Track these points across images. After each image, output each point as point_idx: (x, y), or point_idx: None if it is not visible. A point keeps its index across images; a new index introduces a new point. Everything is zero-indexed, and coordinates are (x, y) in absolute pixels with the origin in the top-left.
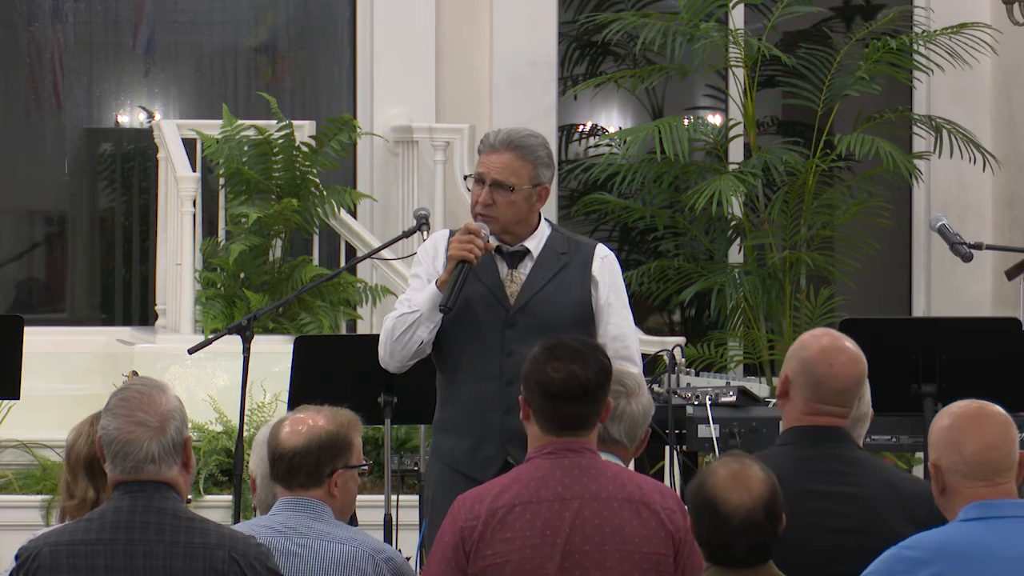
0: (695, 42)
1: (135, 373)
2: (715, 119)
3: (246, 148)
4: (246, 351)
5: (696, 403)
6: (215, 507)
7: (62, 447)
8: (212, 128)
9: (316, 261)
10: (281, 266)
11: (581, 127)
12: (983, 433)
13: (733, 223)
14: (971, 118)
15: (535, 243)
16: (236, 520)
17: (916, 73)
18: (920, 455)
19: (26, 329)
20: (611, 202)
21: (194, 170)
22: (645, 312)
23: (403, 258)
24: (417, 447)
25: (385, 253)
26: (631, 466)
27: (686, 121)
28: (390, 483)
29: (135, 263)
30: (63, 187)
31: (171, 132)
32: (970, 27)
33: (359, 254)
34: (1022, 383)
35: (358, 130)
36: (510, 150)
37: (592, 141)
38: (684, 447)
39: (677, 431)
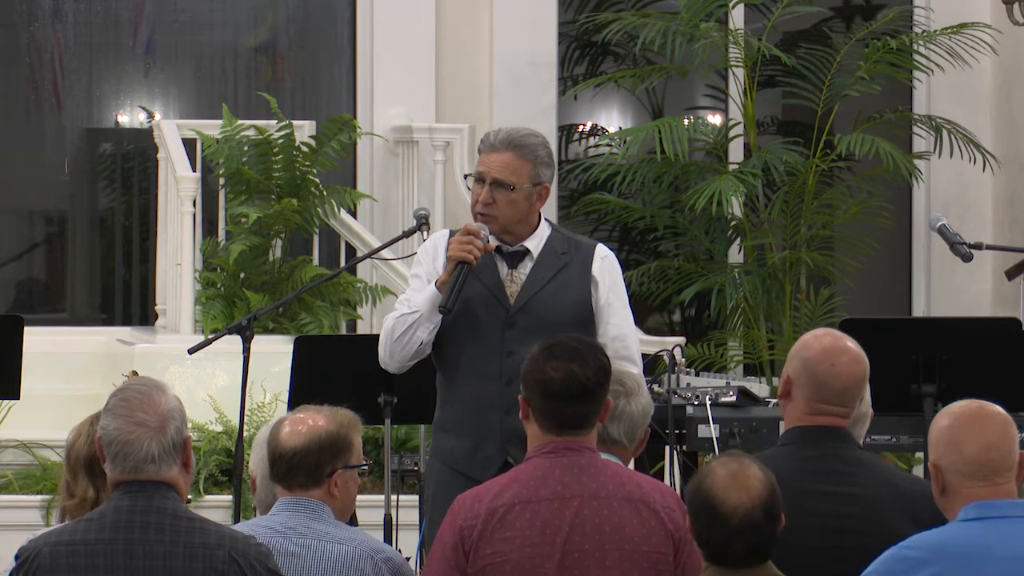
0: (695, 42)
1: (135, 373)
2: (715, 119)
3: (246, 148)
4: (246, 351)
5: (696, 403)
6: (215, 507)
7: (62, 447)
8: (212, 128)
9: (316, 261)
10: (281, 266)
11: (581, 127)
12: (983, 433)
13: (733, 223)
14: (971, 118)
15: (535, 243)
16: (236, 520)
17: (916, 73)
18: (920, 455)
19: (26, 329)
20: (611, 202)
21: (194, 170)
22: (645, 312)
23: (403, 258)
24: (417, 447)
25: (385, 253)
26: (631, 466)
27: (686, 121)
28: (390, 483)
29: (135, 263)
30: (63, 187)
31: (171, 132)
32: (970, 27)
33: (359, 254)
34: (1022, 383)
35: (358, 130)
36: (510, 149)
37: (592, 141)
38: (684, 447)
39: (677, 431)
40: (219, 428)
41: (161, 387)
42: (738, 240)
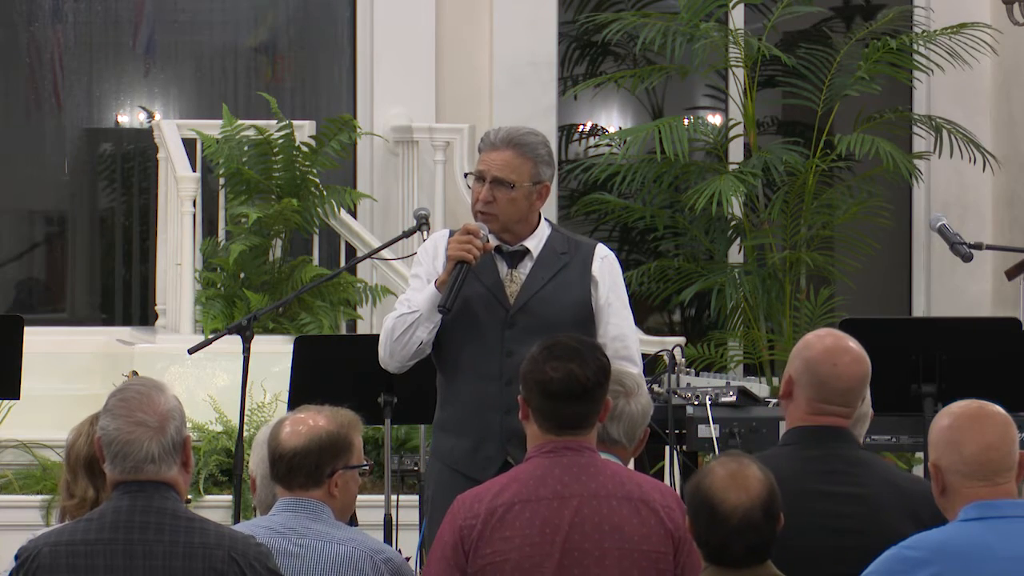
0: (695, 42)
1: (135, 373)
2: (715, 119)
3: (246, 148)
4: (246, 351)
5: (696, 403)
6: (215, 507)
7: (62, 447)
8: (212, 128)
9: (316, 261)
10: (281, 266)
11: (581, 127)
12: (983, 433)
13: (733, 223)
14: (971, 118)
15: (535, 243)
16: (236, 520)
17: (916, 73)
18: (920, 455)
19: (26, 329)
20: (611, 202)
21: (194, 170)
22: (645, 312)
23: (403, 258)
24: (417, 447)
25: (385, 253)
26: (630, 466)
27: (686, 121)
28: (390, 483)
29: (135, 263)
30: (63, 187)
31: (171, 132)
32: (970, 27)
33: (359, 254)
34: (1022, 383)
35: (358, 130)
36: (510, 148)
37: (592, 141)
38: (684, 447)
39: (677, 431)
40: (219, 428)
41: (160, 387)
42: (738, 240)
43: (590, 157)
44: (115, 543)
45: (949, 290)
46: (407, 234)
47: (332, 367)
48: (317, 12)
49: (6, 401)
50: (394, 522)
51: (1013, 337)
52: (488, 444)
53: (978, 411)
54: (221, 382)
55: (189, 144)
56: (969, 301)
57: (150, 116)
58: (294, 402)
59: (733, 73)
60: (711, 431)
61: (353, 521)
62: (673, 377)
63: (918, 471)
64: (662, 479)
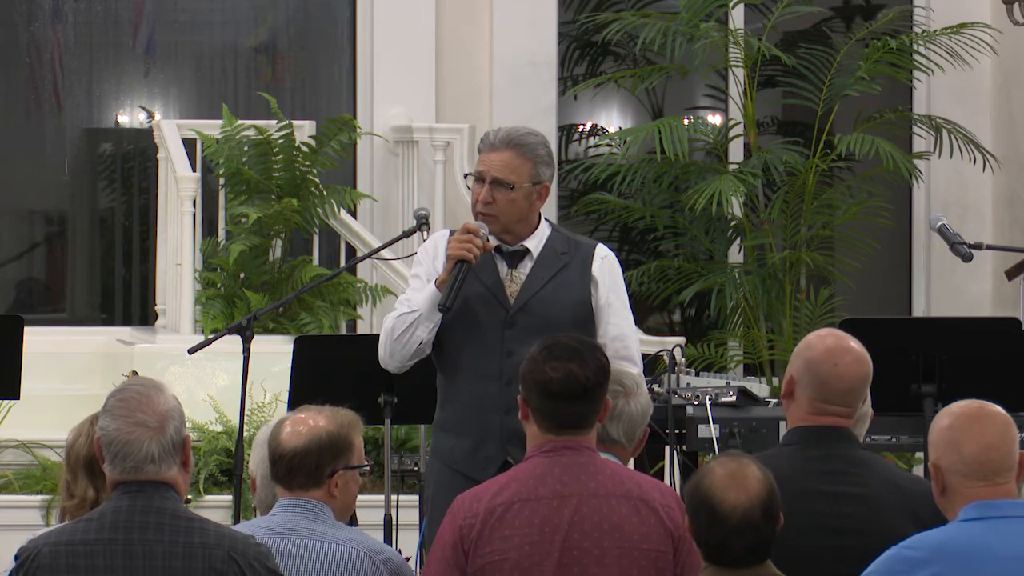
0: (695, 42)
1: (135, 373)
2: (715, 119)
3: (246, 148)
4: (246, 351)
5: (696, 403)
6: (215, 507)
7: (62, 447)
8: (212, 128)
9: (316, 261)
10: (281, 266)
11: (581, 127)
12: (983, 433)
13: (733, 223)
14: (971, 118)
15: (535, 243)
16: (236, 520)
17: (916, 73)
18: (920, 455)
19: (26, 329)
20: (611, 202)
21: (194, 170)
22: (645, 312)
23: (403, 258)
24: (417, 447)
25: (385, 253)
26: (630, 466)
27: (686, 121)
28: (390, 483)
29: (135, 263)
30: (63, 187)
31: (171, 132)
32: (970, 27)
33: (359, 254)
34: (1022, 383)
35: (358, 130)
36: (510, 148)
37: (592, 141)
38: (684, 447)
39: (677, 431)
40: (219, 428)
41: (159, 387)
42: (738, 240)
43: (590, 157)
44: (115, 543)
45: (949, 290)
46: (407, 234)
47: (332, 367)
48: (317, 12)
49: (6, 401)
50: (394, 522)
51: (1013, 337)
52: (488, 444)
53: (978, 411)
54: (221, 382)
55: (189, 144)
56: (969, 301)
57: (150, 116)
58: (294, 402)
59: (733, 73)
60: (711, 431)
61: (353, 521)
62: (673, 377)
63: (918, 471)
64: (662, 479)
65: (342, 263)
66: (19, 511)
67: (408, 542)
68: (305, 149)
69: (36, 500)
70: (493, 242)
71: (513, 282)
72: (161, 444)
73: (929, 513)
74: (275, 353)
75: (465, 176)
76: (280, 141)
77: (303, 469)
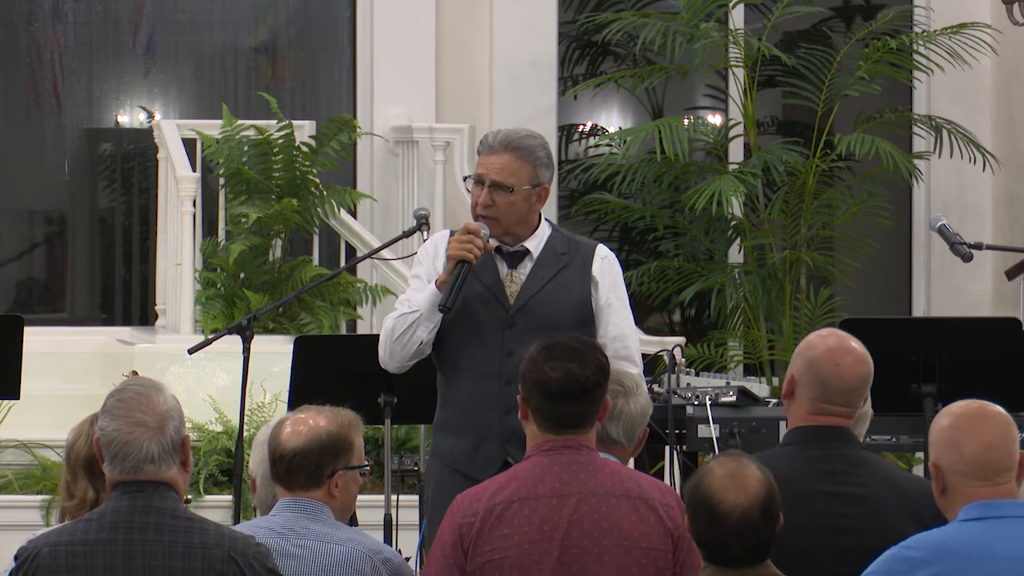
0: (695, 42)
1: (135, 373)
2: (715, 119)
3: (246, 148)
4: (246, 351)
5: (696, 403)
6: (215, 507)
7: (62, 447)
8: (212, 128)
9: (316, 261)
10: (281, 266)
11: (581, 127)
12: (983, 433)
13: (733, 223)
14: (971, 118)
15: (535, 243)
16: (236, 520)
17: (916, 73)
18: (920, 455)
19: (26, 329)
20: (611, 202)
21: (194, 170)
22: (645, 312)
23: (403, 258)
24: (417, 447)
25: (385, 253)
26: (630, 466)
27: (686, 121)
28: (390, 483)
29: (135, 263)
30: (63, 187)
31: (171, 132)
32: (970, 27)
33: (359, 254)
34: (1022, 383)
35: (358, 130)
36: (509, 151)
37: (592, 141)
38: (684, 447)
39: (677, 431)
40: (219, 428)
41: (159, 387)
42: (738, 240)
43: (590, 157)
44: (115, 543)
45: (949, 290)
46: (407, 234)
47: (332, 367)
48: (317, 12)
49: (6, 401)
50: (394, 522)
51: (1013, 337)
52: (488, 444)
53: (978, 411)
54: (221, 382)
55: (189, 144)
56: (969, 301)
57: (150, 116)
58: (294, 402)
59: (733, 73)
60: (711, 431)
61: (353, 521)
62: (673, 377)
63: (918, 471)
64: (662, 479)
65: (342, 263)
66: (19, 511)
67: (408, 542)
68: (305, 149)
69: (36, 500)
70: (493, 243)
71: (513, 282)
72: (161, 444)
73: (929, 513)
74: (275, 353)
75: (465, 179)
76: (280, 141)
77: (303, 469)
